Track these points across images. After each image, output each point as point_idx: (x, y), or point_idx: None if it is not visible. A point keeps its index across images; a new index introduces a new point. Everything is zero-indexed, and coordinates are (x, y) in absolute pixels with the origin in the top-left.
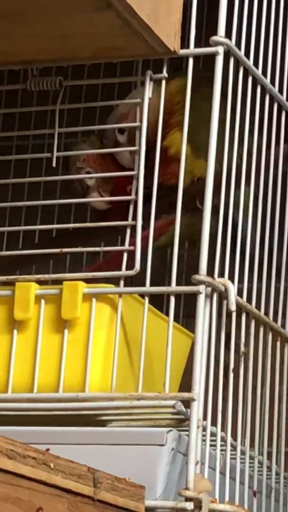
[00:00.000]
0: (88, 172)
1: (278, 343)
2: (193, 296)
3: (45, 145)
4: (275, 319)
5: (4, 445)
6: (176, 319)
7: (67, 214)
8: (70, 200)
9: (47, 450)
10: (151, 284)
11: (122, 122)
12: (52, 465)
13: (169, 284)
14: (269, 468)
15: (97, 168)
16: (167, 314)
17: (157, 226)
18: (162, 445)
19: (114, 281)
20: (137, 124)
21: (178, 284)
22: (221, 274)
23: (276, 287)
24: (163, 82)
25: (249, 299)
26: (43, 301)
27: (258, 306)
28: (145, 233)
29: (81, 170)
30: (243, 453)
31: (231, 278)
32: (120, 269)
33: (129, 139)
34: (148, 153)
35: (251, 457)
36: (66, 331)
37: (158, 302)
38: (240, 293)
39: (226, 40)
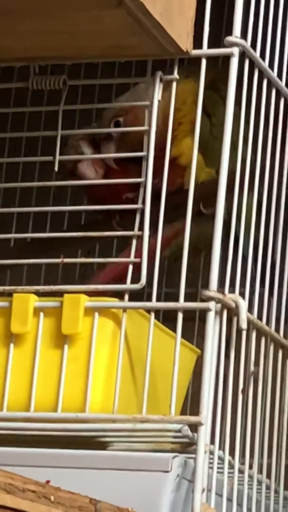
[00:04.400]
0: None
1: None
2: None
3: (39, 146)
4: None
5: (2, 479)
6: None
7: (61, 215)
8: (64, 208)
9: (47, 482)
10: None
11: (121, 116)
12: (52, 498)
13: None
14: (276, 492)
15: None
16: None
17: (164, 237)
18: (167, 471)
19: (114, 294)
20: (145, 128)
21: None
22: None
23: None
24: (174, 84)
25: (258, 315)
26: (42, 314)
27: (267, 322)
28: (151, 245)
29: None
30: (250, 477)
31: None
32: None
33: (121, 134)
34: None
35: (259, 482)
36: (66, 346)
37: None
38: (249, 308)
39: (242, 41)
